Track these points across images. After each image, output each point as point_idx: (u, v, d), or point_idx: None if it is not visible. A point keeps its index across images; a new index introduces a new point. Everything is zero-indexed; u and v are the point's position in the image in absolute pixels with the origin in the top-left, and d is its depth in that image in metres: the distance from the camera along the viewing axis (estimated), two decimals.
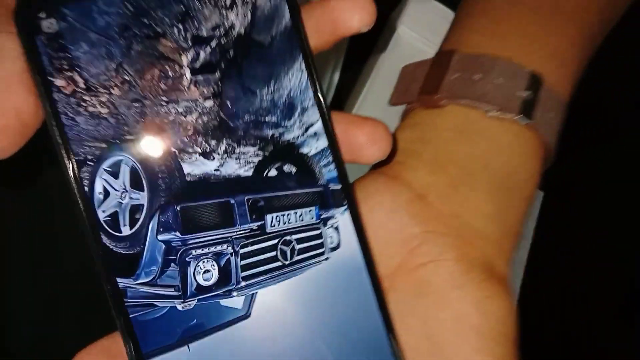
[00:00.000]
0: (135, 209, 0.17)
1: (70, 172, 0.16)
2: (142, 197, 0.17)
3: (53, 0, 0.16)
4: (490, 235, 0.21)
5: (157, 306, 0.17)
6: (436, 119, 0.23)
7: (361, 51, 0.44)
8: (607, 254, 0.57)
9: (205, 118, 0.18)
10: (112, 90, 0.17)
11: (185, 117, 0.17)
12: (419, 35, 0.45)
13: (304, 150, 0.19)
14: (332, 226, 0.19)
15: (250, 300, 0.18)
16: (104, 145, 0.16)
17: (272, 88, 0.18)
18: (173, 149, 0.17)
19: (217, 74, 0.18)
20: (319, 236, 0.19)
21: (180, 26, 0.17)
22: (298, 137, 0.19)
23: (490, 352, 0.19)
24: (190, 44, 0.17)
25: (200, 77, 0.17)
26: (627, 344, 0.58)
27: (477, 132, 0.22)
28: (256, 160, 0.18)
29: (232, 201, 0.18)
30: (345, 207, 0.19)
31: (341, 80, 0.43)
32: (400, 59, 0.45)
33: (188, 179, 0.17)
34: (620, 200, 0.57)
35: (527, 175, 0.23)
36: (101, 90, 0.16)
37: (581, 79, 0.27)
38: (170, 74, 0.17)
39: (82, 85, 0.16)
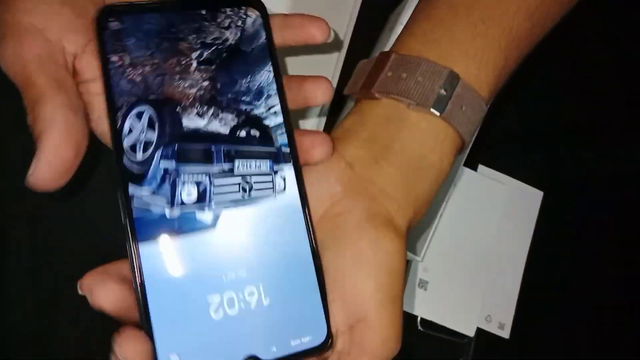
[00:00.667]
0: (148, 143, 0.26)
1: (111, 114, 0.25)
2: (154, 136, 0.26)
3: (118, 12, 0.26)
4: (395, 198, 0.28)
5: (152, 211, 0.25)
6: (373, 108, 0.29)
7: (361, 51, 0.45)
8: (608, 254, 0.55)
9: (202, 92, 0.27)
10: (145, 68, 0.26)
11: (189, 89, 0.27)
12: None
13: (266, 122, 0.28)
14: (280, 176, 0.27)
15: (216, 217, 0.26)
16: (134, 99, 0.26)
17: (249, 79, 0.28)
18: (178, 108, 0.26)
19: (213, 66, 0.27)
20: (270, 181, 0.27)
21: (194, 34, 0.27)
22: (263, 113, 0.28)
23: (378, 278, 0.26)
24: (199, 46, 0.27)
25: (202, 67, 0.27)
26: (629, 344, 0.54)
27: (400, 120, 0.28)
28: (233, 123, 0.27)
29: (213, 148, 0.26)
30: (291, 163, 0.27)
31: (341, 79, 0.44)
32: None
33: (185, 129, 0.26)
34: (620, 199, 0.56)
35: (437, 157, 0.28)
36: (138, 66, 0.26)
37: (514, 73, 0.31)
38: (183, 62, 0.27)
39: (127, 62, 0.26)
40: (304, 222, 0.27)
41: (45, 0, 0.25)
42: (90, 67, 0.26)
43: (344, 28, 0.44)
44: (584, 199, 0.55)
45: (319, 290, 0.27)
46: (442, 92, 0.28)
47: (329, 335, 0.26)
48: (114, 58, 0.26)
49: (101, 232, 0.37)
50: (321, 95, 0.28)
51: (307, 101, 0.29)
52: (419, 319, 0.47)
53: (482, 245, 0.50)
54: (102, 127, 0.26)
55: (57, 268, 0.38)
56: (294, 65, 0.43)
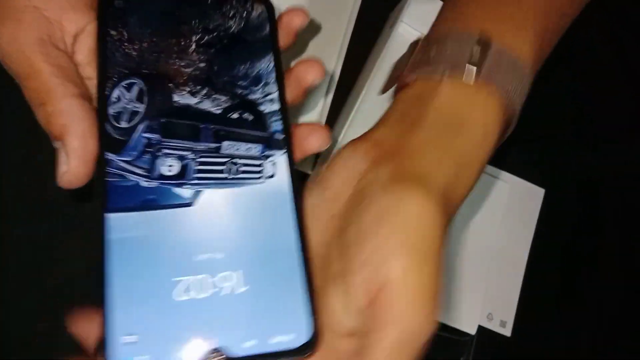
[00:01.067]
0: (134, 114, 0.24)
1: (101, 81, 0.24)
2: (141, 108, 0.25)
3: None
4: (429, 154, 0.24)
5: (128, 179, 0.23)
6: (404, 93, 0.27)
7: (362, 49, 0.45)
8: (609, 251, 0.53)
9: (197, 72, 0.26)
10: (142, 44, 0.26)
11: (184, 68, 0.26)
12: (419, 32, 0.45)
13: (262, 108, 0.26)
14: (271, 161, 0.25)
15: (196, 195, 0.24)
16: (127, 71, 0.25)
17: (247, 66, 0.27)
18: (170, 84, 0.25)
19: (212, 50, 0.27)
20: (260, 165, 0.25)
21: (197, 19, 0.27)
22: (259, 99, 0.26)
23: (401, 237, 0.22)
24: (200, 30, 0.27)
25: (200, 49, 0.26)
26: (630, 342, 0.53)
27: (432, 94, 0.26)
28: (225, 105, 0.26)
29: (202, 126, 0.25)
30: (284, 151, 0.26)
31: (342, 77, 0.44)
32: (399, 55, 0.45)
33: (175, 105, 0.25)
34: (622, 197, 0.55)
35: (479, 120, 0.25)
36: (136, 41, 0.26)
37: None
38: (182, 43, 0.26)
39: (125, 36, 0.26)
40: (292, 212, 0.24)
41: None
42: (85, 49, 0.25)
43: (345, 25, 0.45)
44: (586, 197, 0.54)
45: (305, 286, 0.23)
46: (474, 57, 0.26)
47: (314, 338, 0.22)
48: (113, 31, 0.25)
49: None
50: (313, 75, 0.27)
51: (299, 84, 0.27)
52: None
53: (483, 243, 0.49)
54: None
55: (57, 268, 0.37)
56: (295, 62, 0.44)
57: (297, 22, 0.28)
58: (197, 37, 0.27)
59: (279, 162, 0.25)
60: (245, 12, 0.28)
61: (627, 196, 0.56)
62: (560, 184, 0.53)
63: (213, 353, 0.21)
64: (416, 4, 0.41)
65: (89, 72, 0.25)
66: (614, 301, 0.54)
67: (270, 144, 0.26)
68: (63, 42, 0.25)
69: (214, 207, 0.24)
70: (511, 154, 0.52)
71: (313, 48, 0.40)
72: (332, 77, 0.42)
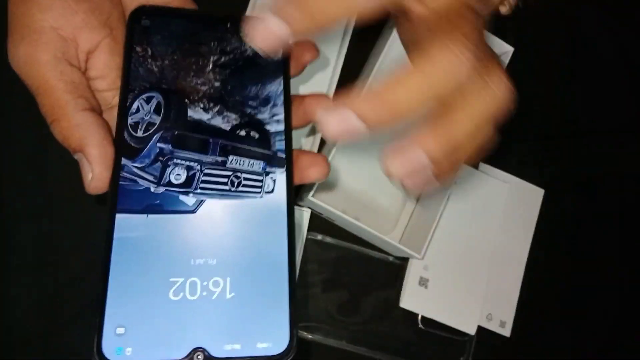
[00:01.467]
0: (150, 125, 0.27)
1: (123, 92, 0.27)
2: (157, 120, 0.27)
3: (150, 12, 0.29)
4: None
5: (138, 184, 0.25)
6: None
7: (362, 50, 0.46)
8: (609, 252, 0.54)
9: (212, 90, 0.28)
10: (163, 61, 0.28)
11: (200, 86, 0.28)
12: None
13: (267, 127, 0.28)
14: (271, 178, 0.27)
15: (199, 203, 0.26)
16: (148, 85, 0.27)
17: (258, 87, 0.29)
18: (186, 100, 0.28)
19: (227, 71, 0.29)
20: (260, 180, 0.27)
21: (214, 42, 0.29)
22: (266, 119, 0.28)
23: None
24: (217, 52, 0.29)
25: (216, 69, 0.29)
26: (630, 342, 0.53)
27: None
28: (235, 122, 0.28)
29: (211, 140, 0.27)
30: (284, 169, 0.27)
31: (342, 78, 0.44)
32: (400, 57, 0.46)
33: (188, 119, 0.27)
34: (622, 197, 0.55)
35: None
36: (157, 58, 0.28)
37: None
38: (200, 62, 0.29)
39: (149, 53, 0.28)
40: (285, 228, 0.26)
41: None
42: (99, 64, 0.27)
43: (344, 24, 0.46)
44: (585, 197, 0.55)
45: (288, 300, 0.25)
46: None
47: (290, 347, 0.24)
48: (138, 48, 0.28)
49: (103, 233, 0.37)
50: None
51: (306, 115, 0.29)
52: (419, 317, 0.46)
53: (483, 244, 0.49)
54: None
55: (59, 268, 0.37)
56: None
57: (307, 57, 0.30)
58: (214, 58, 0.29)
59: (278, 179, 0.27)
60: None
61: (627, 197, 0.55)
62: (560, 184, 0.53)
63: (195, 352, 0.23)
64: None
65: (103, 85, 0.27)
66: (613, 302, 0.53)
67: (272, 162, 0.28)
68: (77, 59, 0.26)
69: (213, 216, 0.26)
70: (511, 154, 0.52)
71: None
72: (332, 78, 0.43)
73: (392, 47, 0.46)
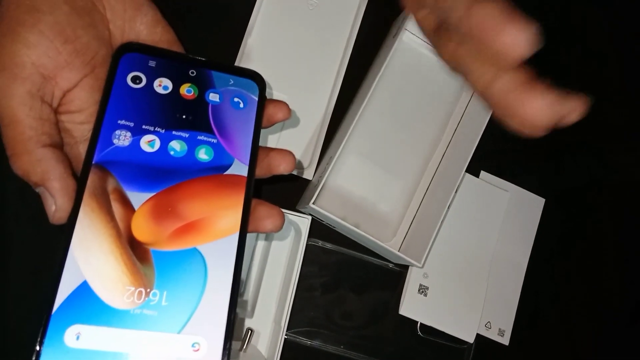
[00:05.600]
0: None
1: (96, 127, 0.27)
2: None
3: (134, 49, 0.29)
4: None
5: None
6: None
7: (365, 57, 0.47)
8: (608, 261, 0.54)
9: (183, 133, 0.28)
10: (141, 99, 0.28)
11: (170, 127, 0.28)
12: (421, 40, 0.48)
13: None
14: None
15: None
16: (123, 122, 0.27)
17: (228, 129, 0.29)
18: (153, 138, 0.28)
19: (199, 113, 0.29)
20: None
21: (191, 84, 0.29)
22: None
23: None
24: (191, 94, 0.29)
25: (193, 113, 0.29)
26: (629, 352, 0.53)
27: None
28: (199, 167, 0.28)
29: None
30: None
31: (345, 85, 0.45)
32: (403, 64, 0.48)
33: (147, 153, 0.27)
34: (621, 206, 0.55)
35: None
36: (136, 96, 0.28)
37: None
38: (176, 104, 0.29)
39: (127, 90, 0.28)
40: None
41: (49, 37, 0.26)
42: (78, 101, 0.27)
43: (348, 34, 0.46)
44: (586, 206, 0.55)
45: (229, 314, 0.26)
46: None
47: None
48: (118, 84, 0.28)
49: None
50: (284, 166, 0.30)
51: (270, 169, 0.30)
52: (418, 324, 0.47)
53: (483, 252, 0.49)
54: (74, 151, 0.28)
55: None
56: (299, 67, 0.45)
57: (279, 117, 0.31)
58: (192, 100, 0.29)
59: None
60: (238, 86, 0.30)
61: (627, 205, 0.55)
62: (560, 193, 0.53)
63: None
64: None
65: (81, 118, 0.28)
66: (612, 311, 0.53)
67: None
68: (51, 96, 0.26)
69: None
70: (512, 163, 0.52)
71: (316, 51, 0.41)
72: (334, 85, 0.43)
73: (395, 57, 0.46)
